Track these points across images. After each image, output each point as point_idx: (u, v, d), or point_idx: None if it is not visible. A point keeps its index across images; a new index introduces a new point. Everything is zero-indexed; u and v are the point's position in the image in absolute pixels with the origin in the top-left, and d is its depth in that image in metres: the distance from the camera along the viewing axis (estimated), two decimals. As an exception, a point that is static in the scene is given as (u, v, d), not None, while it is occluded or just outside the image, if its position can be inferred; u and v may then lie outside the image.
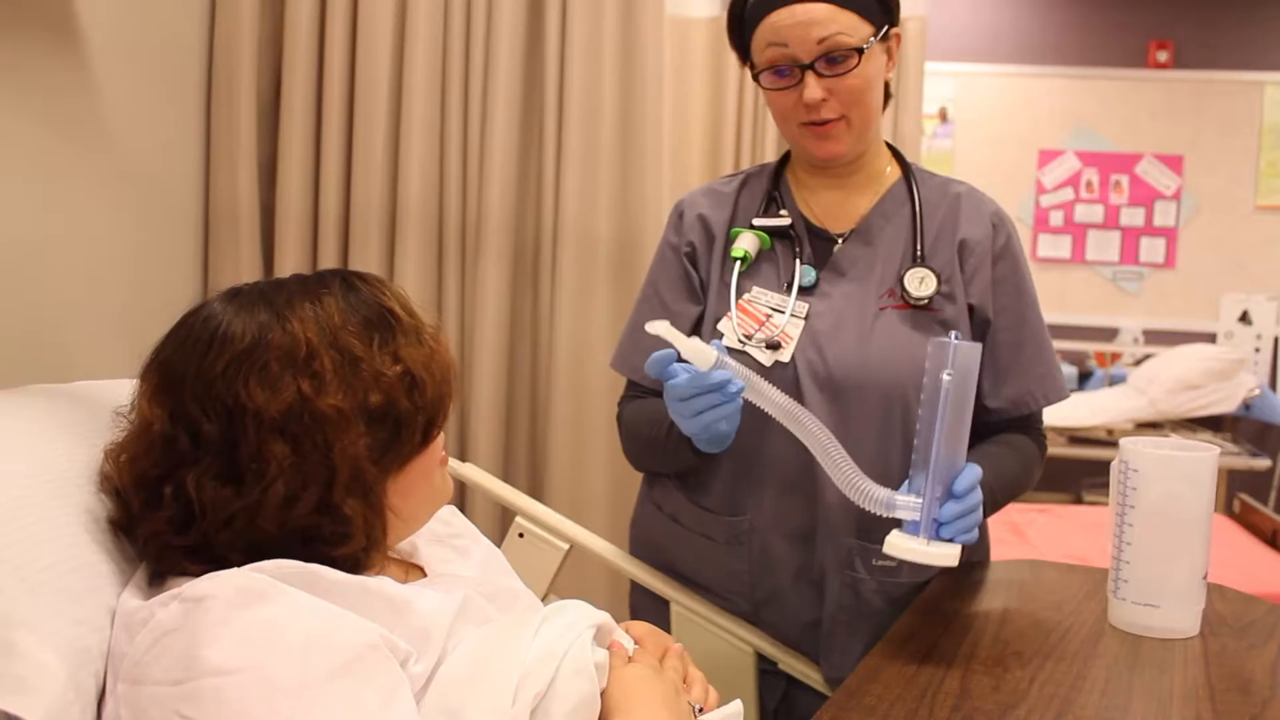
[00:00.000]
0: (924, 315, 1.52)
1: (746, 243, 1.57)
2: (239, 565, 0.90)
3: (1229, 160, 5.93)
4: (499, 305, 2.34)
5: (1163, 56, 5.89)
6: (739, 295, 1.56)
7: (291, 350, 0.94)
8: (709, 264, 1.62)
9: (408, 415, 0.98)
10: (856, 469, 1.27)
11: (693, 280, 1.63)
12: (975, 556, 1.64)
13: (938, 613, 1.42)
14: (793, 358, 1.51)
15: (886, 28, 1.50)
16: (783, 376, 1.50)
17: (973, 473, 1.30)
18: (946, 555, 1.28)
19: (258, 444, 0.92)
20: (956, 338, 1.27)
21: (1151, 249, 6.00)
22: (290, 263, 2.28)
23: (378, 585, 0.93)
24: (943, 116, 6.07)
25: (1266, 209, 5.93)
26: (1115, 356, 5.93)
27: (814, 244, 1.59)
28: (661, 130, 2.31)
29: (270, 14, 2.29)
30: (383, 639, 0.88)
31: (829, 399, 1.50)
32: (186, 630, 0.83)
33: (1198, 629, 1.36)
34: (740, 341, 1.54)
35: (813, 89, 1.46)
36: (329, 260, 2.30)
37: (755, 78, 1.53)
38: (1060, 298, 6.08)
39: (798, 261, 1.56)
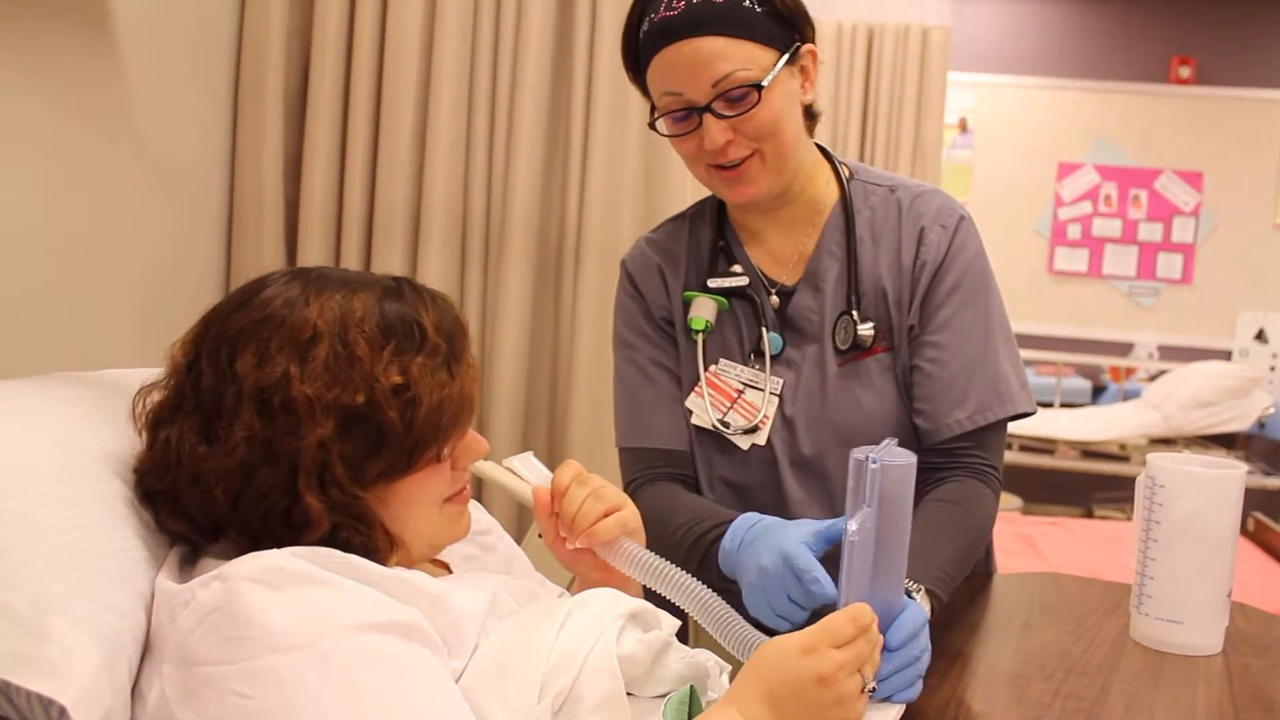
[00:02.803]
0: (879, 359, 1.43)
1: (704, 310, 1.46)
2: (208, 531, 0.95)
3: (1249, 178, 5.92)
4: (520, 305, 2.34)
5: (1185, 72, 5.89)
6: (705, 367, 1.47)
7: (296, 332, 0.95)
8: (677, 331, 1.51)
9: (392, 429, 0.96)
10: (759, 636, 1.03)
11: (679, 348, 1.51)
12: (981, 569, 1.61)
13: (959, 625, 1.42)
14: (768, 439, 1.44)
15: (797, 45, 1.35)
16: (761, 459, 1.45)
17: (913, 618, 1.08)
18: None
19: (234, 410, 0.93)
20: (874, 462, 0.99)
21: (1169, 265, 6.00)
22: (313, 257, 2.29)
23: (413, 578, 0.93)
24: (963, 127, 6.06)
25: (1285, 227, 5.92)
26: (1130, 371, 5.92)
27: (769, 298, 1.48)
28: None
29: (300, 9, 2.29)
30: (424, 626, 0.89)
31: (809, 479, 1.45)
32: (232, 610, 0.83)
33: (1220, 647, 1.36)
34: (716, 425, 1.45)
35: (714, 133, 1.32)
36: (352, 255, 2.30)
37: (651, 124, 1.40)
38: (1076, 311, 6.07)
39: (763, 329, 1.46)
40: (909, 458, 1.03)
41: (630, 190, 2.30)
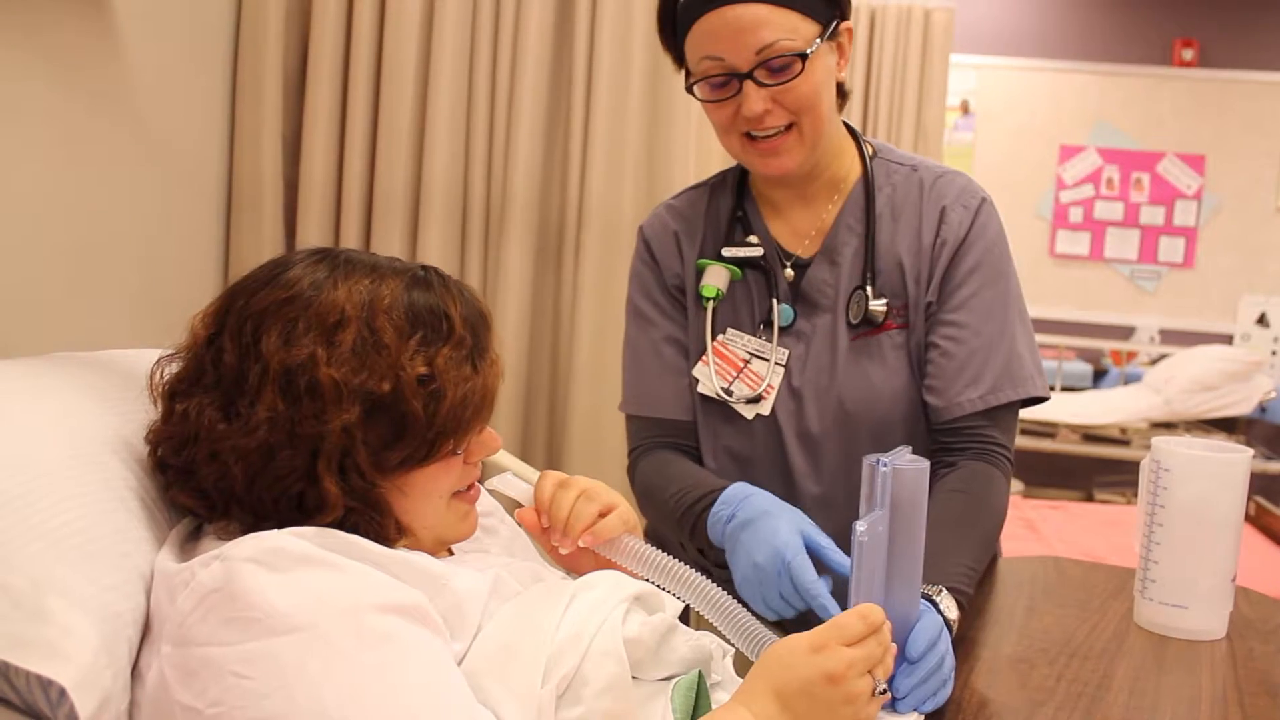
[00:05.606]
0: (892, 336, 1.42)
1: (716, 279, 1.46)
2: (217, 507, 0.94)
3: (1251, 161, 5.90)
4: (521, 286, 2.33)
5: (1188, 55, 5.86)
6: (713, 336, 1.47)
7: (324, 314, 0.95)
8: (687, 299, 1.51)
9: (414, 419, 0.96)
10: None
11: (689, 316, 1.51)
12: None
13: (963, 609, 1.41)
14: (773, 410, 1.44)
15: (836, 22, 1.34)
16: (766, 430, 1.45)
17: (931, 627, 1.07)
18: None
19: (258, 389, 0.92)
20: (885, 465, 0.99)
21: (1171, 248, 5.98)
22: (312, 238, 2.28)
23: (415, 559, 0.92)
24: (965, 109, 6.04)
25: (1287, 211, 5.91)
26: (1131, 355, 5.91)
27: (784, 270, 1.47)
28: (690, 113, 2.29)
29: (298, -13, 2.28)
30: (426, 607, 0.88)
31: (813, 453, 1.45)
32: (232, 591, 0.82)
33: (1225, 631, 1.35)
34: (720, 393, 1.45)
35: (753, 101, 1.31)
36: (351, 236, 2.29)
37: (689, 89, 1.38)
38: (1077, 295, 6.06)
39: (774, 300, 1.45)
40: (922, 463, 1.01)
41: (631, 170, 2.29)
